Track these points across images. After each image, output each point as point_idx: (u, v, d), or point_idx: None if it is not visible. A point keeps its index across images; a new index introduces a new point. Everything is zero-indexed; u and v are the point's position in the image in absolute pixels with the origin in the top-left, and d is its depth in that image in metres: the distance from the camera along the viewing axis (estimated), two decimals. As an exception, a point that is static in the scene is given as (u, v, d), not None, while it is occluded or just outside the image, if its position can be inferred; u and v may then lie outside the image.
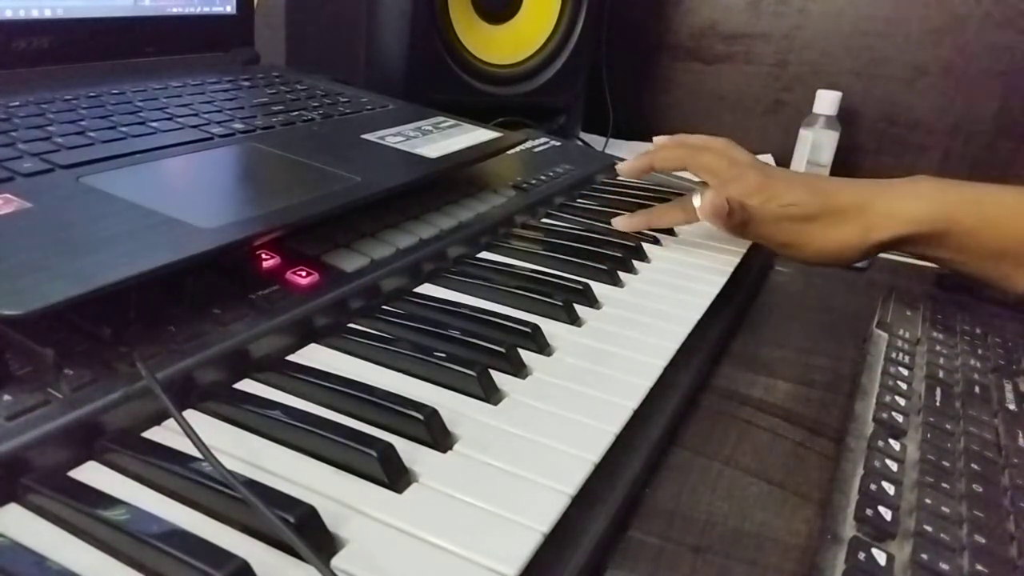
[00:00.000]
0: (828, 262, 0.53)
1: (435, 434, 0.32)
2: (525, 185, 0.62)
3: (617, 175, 0.74)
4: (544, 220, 0.60)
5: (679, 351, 0.42)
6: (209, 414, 0.32)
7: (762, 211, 0.52)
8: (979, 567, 0.28)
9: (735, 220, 0.50)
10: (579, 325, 0.44)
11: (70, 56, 0.59)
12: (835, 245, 0.52)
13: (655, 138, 0.62)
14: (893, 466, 0.34)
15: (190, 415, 0.32)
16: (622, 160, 0.72)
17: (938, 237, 0.50)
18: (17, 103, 0.51)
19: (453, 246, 0.50)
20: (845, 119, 0.99)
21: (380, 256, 0.45)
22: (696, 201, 0.51)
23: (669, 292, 0.49)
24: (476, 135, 0.59)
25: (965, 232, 0.49)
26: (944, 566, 0.28)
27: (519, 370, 0.38)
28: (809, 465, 0.37)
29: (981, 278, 0.51)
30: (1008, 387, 0.43)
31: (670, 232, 0.61)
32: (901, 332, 0.48)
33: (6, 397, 0.28)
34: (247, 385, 0.35)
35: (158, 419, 0.31)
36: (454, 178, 0.59)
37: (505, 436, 0.33)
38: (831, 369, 0.47)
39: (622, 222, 0.59)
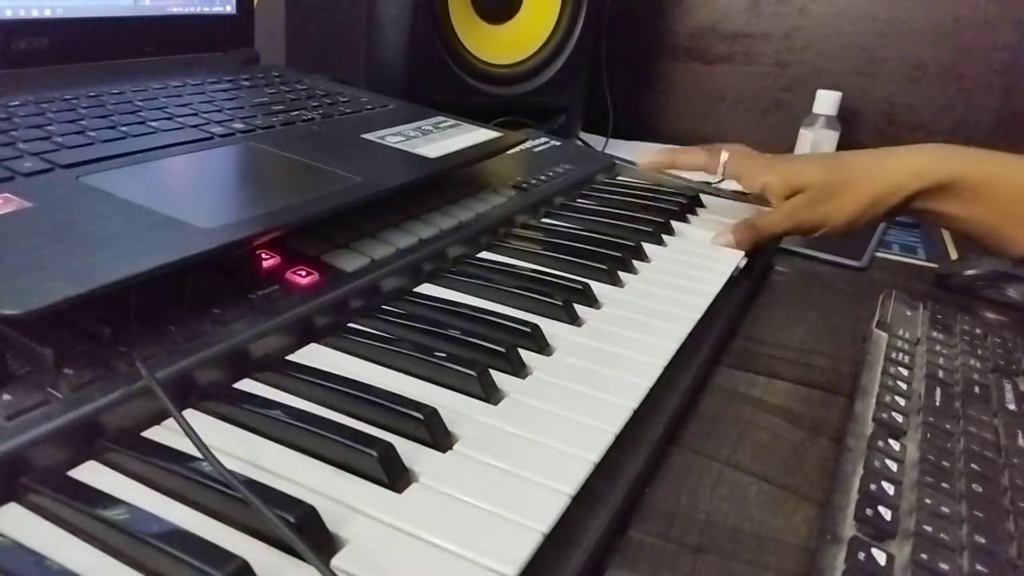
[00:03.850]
0: (847, 231, 0.57)
1: (435, 434, 0.32)
2: (525, 185, 0.62)
3: (617, 176, 0.74)
4: (544, 220, 0.60)
5: (679, 351, 0.42)
6: (209, 414, 0.32)
7: (771, 219, 0.57)
8: (979, 567, 0.28)
9: (747, 246, 0.57)
10: (579, 325, 0.44)
11: (70, 56, 0.59)
12: (849, 217, 0.55)
13: (640, 162, 0.65)
14: (893, 466, 0.34)
15: (190, 415, 0.32)
16: (622, 160, 0.72)
17: (942, 193, 0.53)
18: (17, 103, 0.51)
19: (453, 246, 0.50)
20: (845, 119, 0.99)
21: (380, 256, 0.45)
22: (723, 156, 0.60)
23: (669, 292, 0.49)
24: (476, 135, 0.59)
25: (967, 189, 0.52)
26: (944, 566, 0.28)
27: (519, 370, 0.38)
28: (809, 465, 0.37)
29: (984, 238, 0.54)
30: (1008, 387, 0.43)
31: (669, 232, 0.61)
32: (901, 332, 0.48)
33: (6, 397, 0.28)
34: (247, 385, 0.35)
35: (158, 419, 0.31)
36: (454, 178, 0.59)
37: (505, 436, 0.33)
38: (831, 369, 0.47)
39: (646, 158, 0.64)
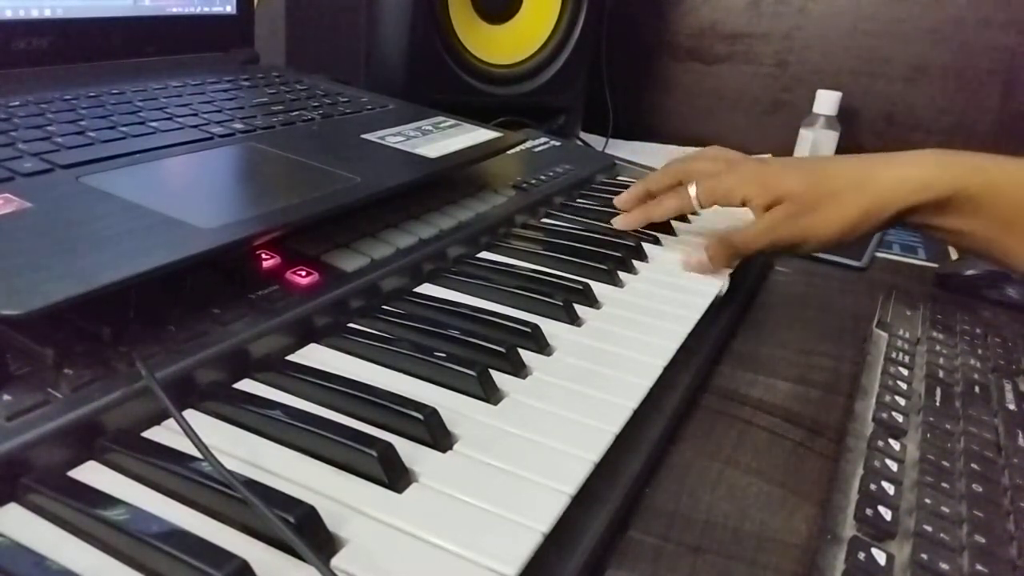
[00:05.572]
0: (835, 247, 0.52)
1: (435, 434, 0.32)
2: (525, 185, 0.62)
3: (617, 176, 0.74)
4: (544, 220, 0.60)
5: (679, 351, 0.42)
6: (209, 414, 0.32)
7: (747, 235, 0.52)
8: (979, 567, 0.28)
9: (722, 264, 0.53)
10: (579, 325, 0.44)
11: (70, 56, 0.59)
12: (837, 231, 0.50)
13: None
14: (893, 466, 0.34)
15: (190, 415, 0.32)
16: (622, 160, 0.72)
17: (943, 205, 0.48)
18: (17, 103, 0.51)
19: (453, 246, 0.50)
20: (845, 119, 0.99)
21: (380, 256, 0.45)
22: (692, 190, 0.54)
23: (669, 292, 0.49)
24: (476, 135, 0.59)
25: (970, 199, 0.48)
26: (944, 566, 0.28)
27: (519, 370, 0.38)
28: (809, 465, 0.37)
29: (988, 252, 0.50)
30: (1008, 387, 0.43)
31: (670, 231, 0.60)
32: (901, 332, 0.48)
33: (6, 397, 0.28)
34: (247, 385, 0.35)
35: (158, 419, 0.31)
36: (454, 178, 0.59)
37: (505, 436, 0.33)
38: (831, 369, 0.47)
39: (621, 221, 0.59)
